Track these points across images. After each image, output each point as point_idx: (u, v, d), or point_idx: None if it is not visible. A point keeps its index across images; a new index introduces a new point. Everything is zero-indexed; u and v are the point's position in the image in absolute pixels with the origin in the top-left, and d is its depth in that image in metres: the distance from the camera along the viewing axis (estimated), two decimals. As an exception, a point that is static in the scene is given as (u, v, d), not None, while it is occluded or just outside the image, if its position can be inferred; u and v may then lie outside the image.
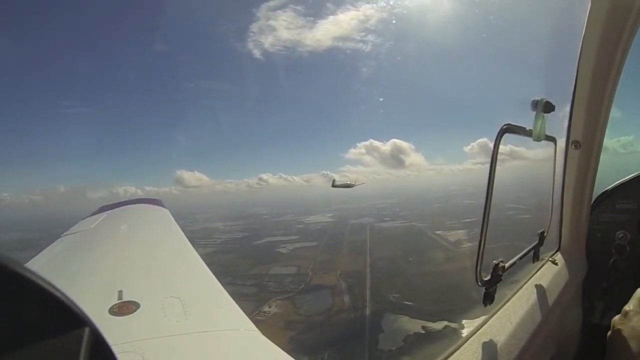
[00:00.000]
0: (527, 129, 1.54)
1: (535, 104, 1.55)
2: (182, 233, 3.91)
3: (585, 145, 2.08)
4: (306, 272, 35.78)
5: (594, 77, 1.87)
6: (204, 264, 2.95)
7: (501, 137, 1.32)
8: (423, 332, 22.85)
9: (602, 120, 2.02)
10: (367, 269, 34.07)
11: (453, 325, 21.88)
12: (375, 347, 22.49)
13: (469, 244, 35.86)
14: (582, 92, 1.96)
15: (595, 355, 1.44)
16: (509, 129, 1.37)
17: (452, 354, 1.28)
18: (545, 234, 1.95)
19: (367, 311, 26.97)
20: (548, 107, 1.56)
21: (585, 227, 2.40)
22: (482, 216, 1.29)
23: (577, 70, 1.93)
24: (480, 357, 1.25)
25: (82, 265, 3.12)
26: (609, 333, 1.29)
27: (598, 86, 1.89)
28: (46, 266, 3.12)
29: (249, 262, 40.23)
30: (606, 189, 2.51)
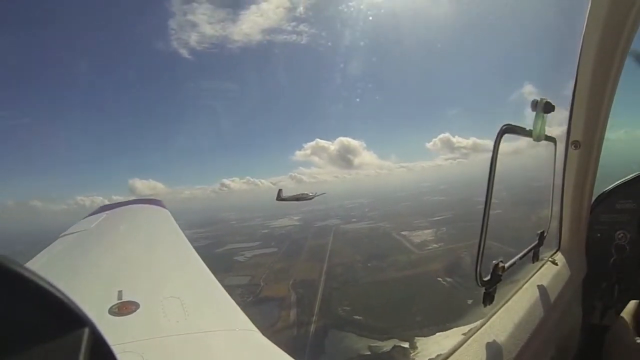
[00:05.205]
0: (527, 129, 1.53)
1: (535, 104, 1.54)
2: (182, 233, 3.83)
3: (585, 145, 2.07)
4: (258, 282, 33.97)
5: (594, 77, 1.86)
6: (203, 264, 2.89)
7: (501, 137, 1.30)
8: (368, 352, 19.94)
9: (602, 120, 2.01)
10: (322, 277, 31.33)
11: (404, 344, 19.19)
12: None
13: (435, 245, 34.39)
14: (582, 92, 1.95)
15: (595, 354, 1.53)
16: (509, 129, 1.36)
17: (452, 353, 1.28)
18: (545, 234, 1.93)
19: (312, 327, 23.85)
20: (548, 107, 1.54)
21: (585, 227, 2.38)
22: (482, 216, 1.28)
23: (577, 70, 1.91)
24: (480, 357, 1.25)
25: (82, 265, 3.06)
26: (608, 335, 1.36)
27: (598, 86, 1.88)
28: (46, 266, 3.04)
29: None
30: (606, 189, 2.49)
